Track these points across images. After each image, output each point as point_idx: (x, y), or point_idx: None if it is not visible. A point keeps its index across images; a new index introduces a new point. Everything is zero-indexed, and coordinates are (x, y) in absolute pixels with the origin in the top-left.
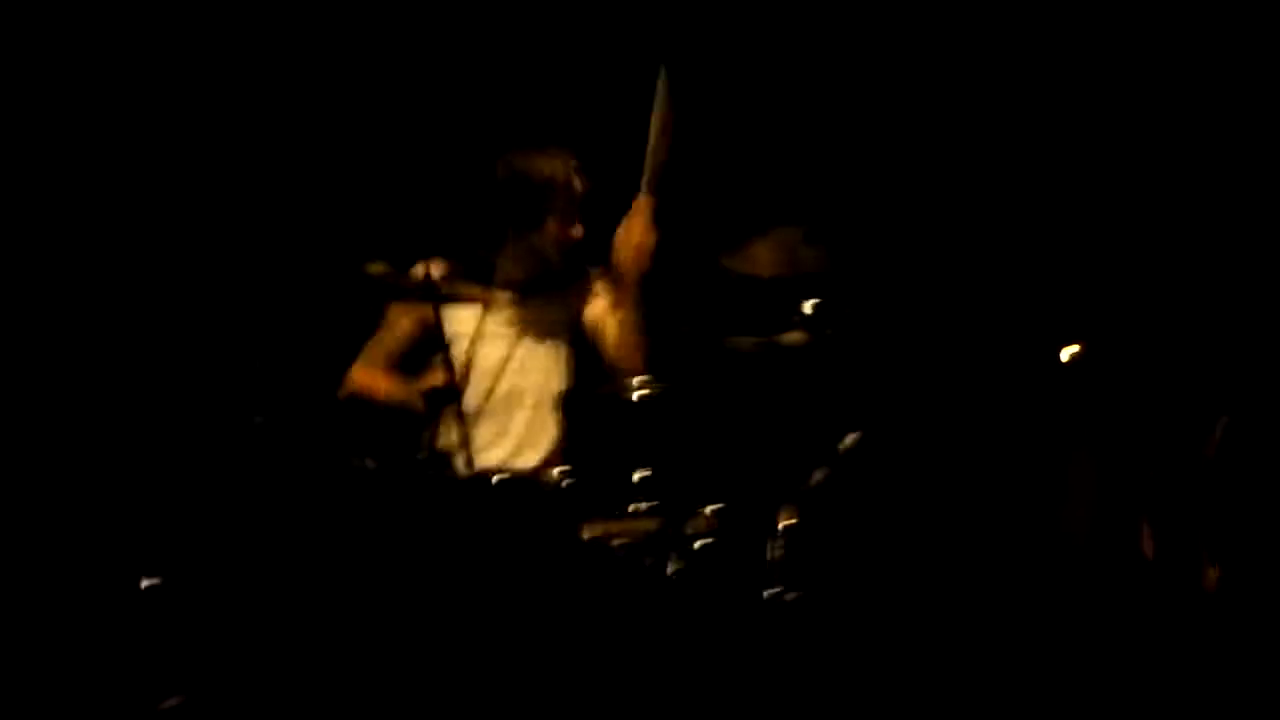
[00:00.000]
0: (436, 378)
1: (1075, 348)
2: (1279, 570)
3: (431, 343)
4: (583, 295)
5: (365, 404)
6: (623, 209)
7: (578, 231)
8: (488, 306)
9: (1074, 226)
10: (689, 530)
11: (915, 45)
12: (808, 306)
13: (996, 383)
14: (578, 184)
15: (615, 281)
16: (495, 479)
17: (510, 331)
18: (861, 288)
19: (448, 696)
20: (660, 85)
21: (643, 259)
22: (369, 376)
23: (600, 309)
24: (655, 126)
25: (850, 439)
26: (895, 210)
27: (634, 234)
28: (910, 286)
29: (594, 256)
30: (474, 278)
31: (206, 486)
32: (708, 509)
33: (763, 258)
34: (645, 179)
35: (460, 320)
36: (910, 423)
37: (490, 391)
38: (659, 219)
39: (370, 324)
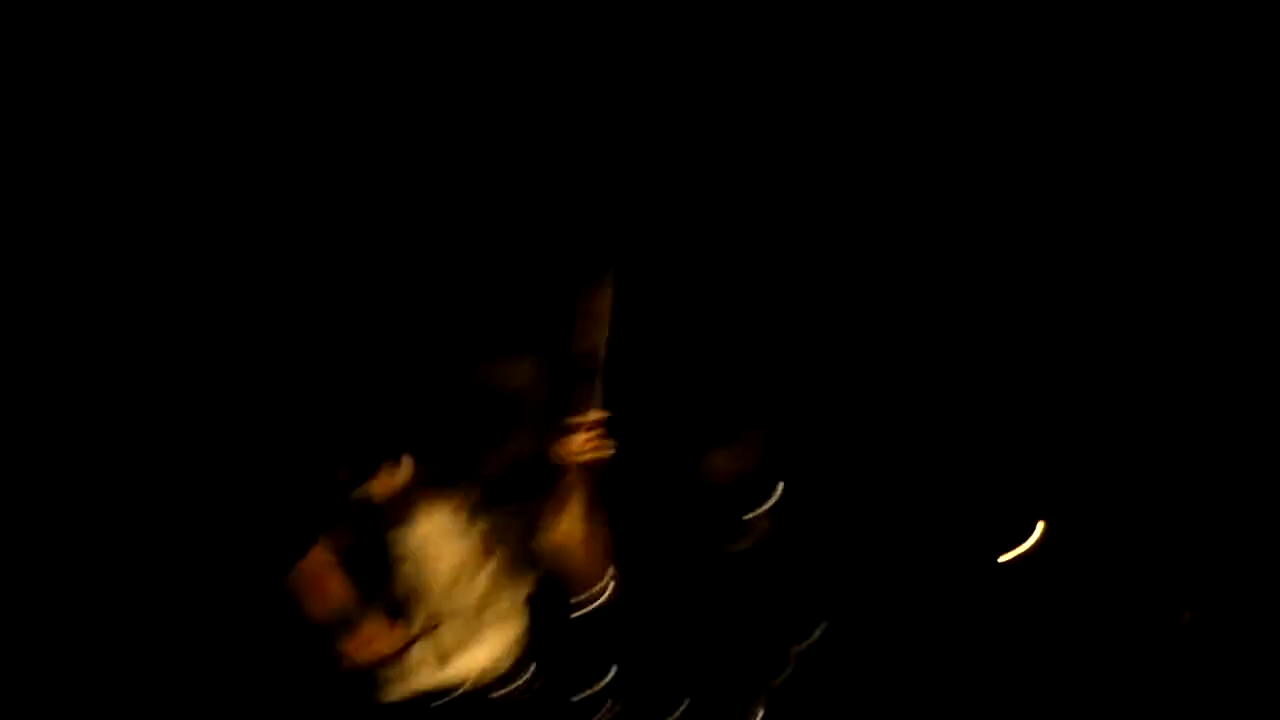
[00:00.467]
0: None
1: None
2: None
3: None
4: (550, 502)
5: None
6: None
7: (546, 439)
8: (454, 510)
9: None
10: None
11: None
12: (764, 507)
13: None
14: (546, 391)
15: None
16: (464, 684)
17: (477, 535)
18: (817, 484)
19: None
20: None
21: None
22: (319, 571)
23: (570, 518)
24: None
25: (815, 632)
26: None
27: (586, 449)
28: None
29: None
30: (441, 481)
31: None
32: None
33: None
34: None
35: (426, 524)
36: (869, 612)
37: (458, 595)
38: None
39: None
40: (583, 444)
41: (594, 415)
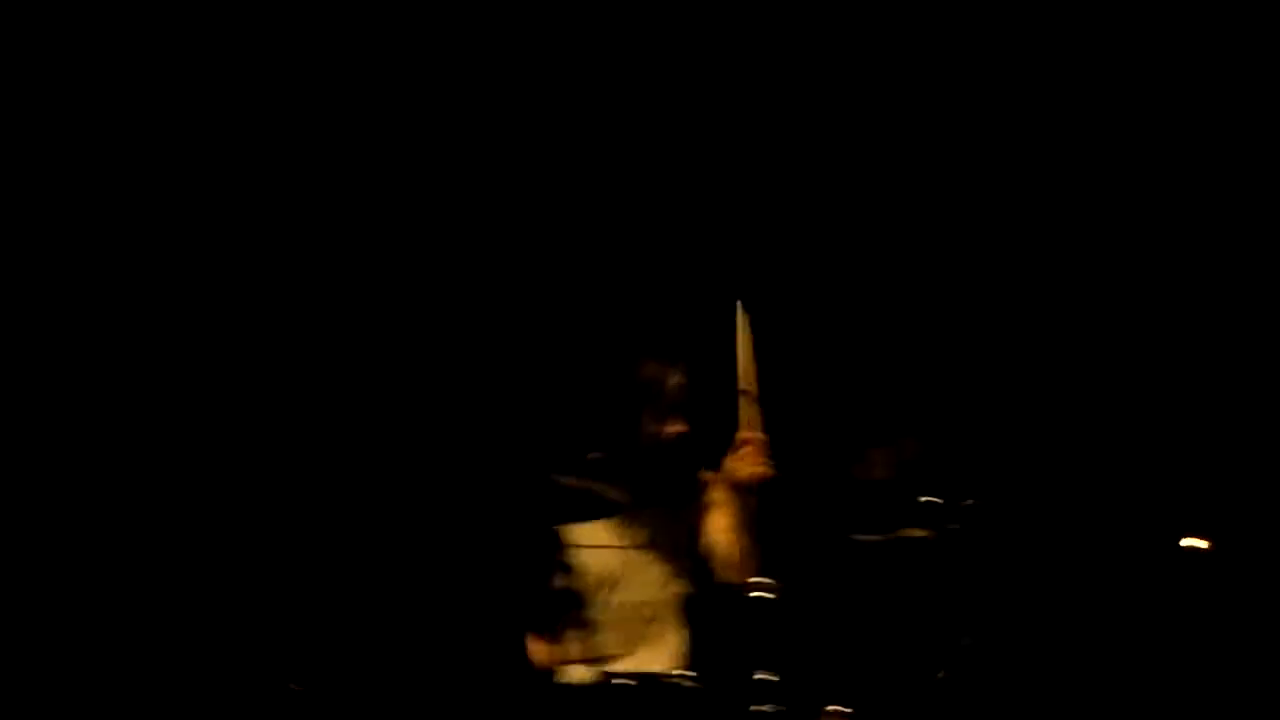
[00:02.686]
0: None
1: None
2: None
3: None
4: (698, 503)
5: None
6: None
7: (678, 427)
8: (607, 518)
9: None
10: None
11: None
12: (928, 502)
13: (1115, 574)
14: (675, 383)
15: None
16: (622, 685)
17: (630, 538)
18: (980, 483)
19: None
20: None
21: (755, 492)
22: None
23: (720, 524)
24: (741, 358)
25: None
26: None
27: (744, 470)
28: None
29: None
30: (593, 490)
31: None
32: (831, 708)
33: (879, 462)
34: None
35: (580, 528)
36: (1030, 612)
37: (613, 601)
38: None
39: None
40: (743, 461)
41: (753, 436)
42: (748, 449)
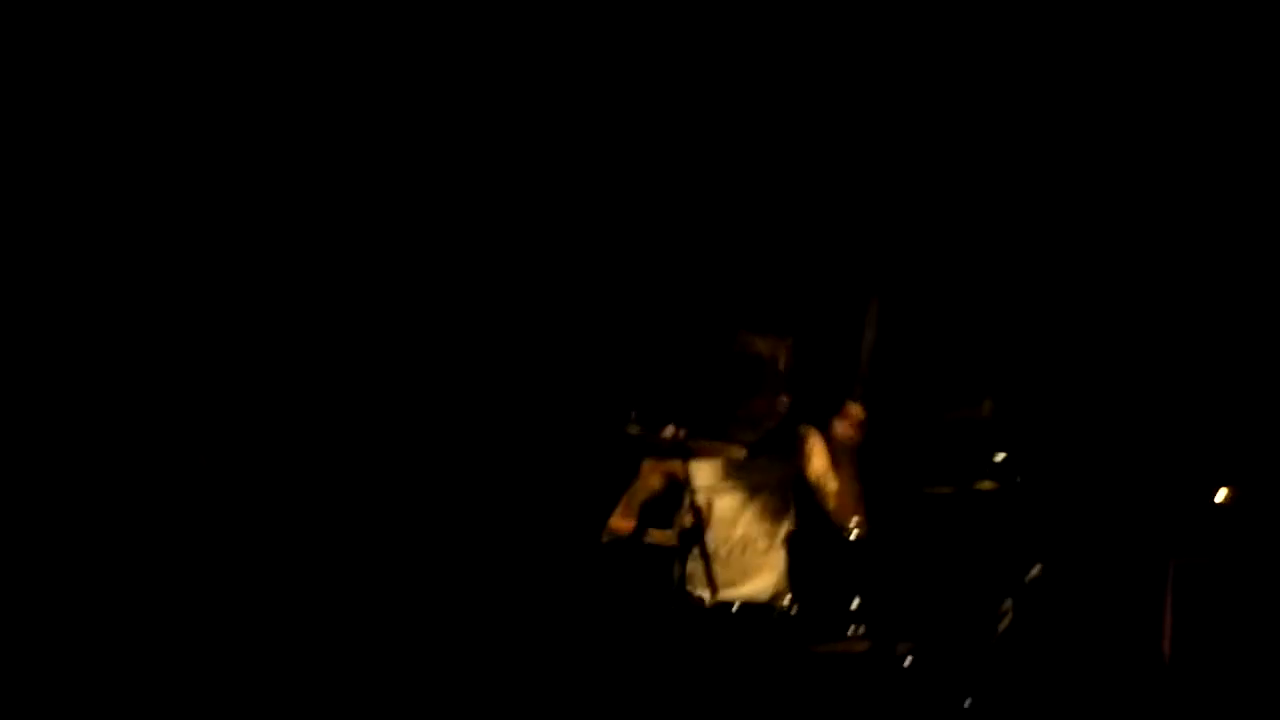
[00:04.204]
0: (685, 520)
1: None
2: None
3: (677, 493)
4: (801, 452)
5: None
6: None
7: (782, 405)
8: (724, 463)
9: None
10: (898, 650)
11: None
12: (998, 458)
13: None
14: (784, 363)
15: (834, 458)
16: (735, 607)
17: (743, 484)
18: (1043, 443)
19: None
20: (871, 312)
21: (853, 448)
22: (627, 524)
23: (819, 468)
24: (865, 347)
25: (1035, 571)
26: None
27: (846, 432)
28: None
29: (807, 418)
30: (710, 437)
31: None
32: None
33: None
34: (856, 387)
35: (702, 475)
36: (1085, 555)
37: (729, 536)
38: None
39: (629, 473)
40: (844, 429)
41: (856, 410)
42: (851, 417)
